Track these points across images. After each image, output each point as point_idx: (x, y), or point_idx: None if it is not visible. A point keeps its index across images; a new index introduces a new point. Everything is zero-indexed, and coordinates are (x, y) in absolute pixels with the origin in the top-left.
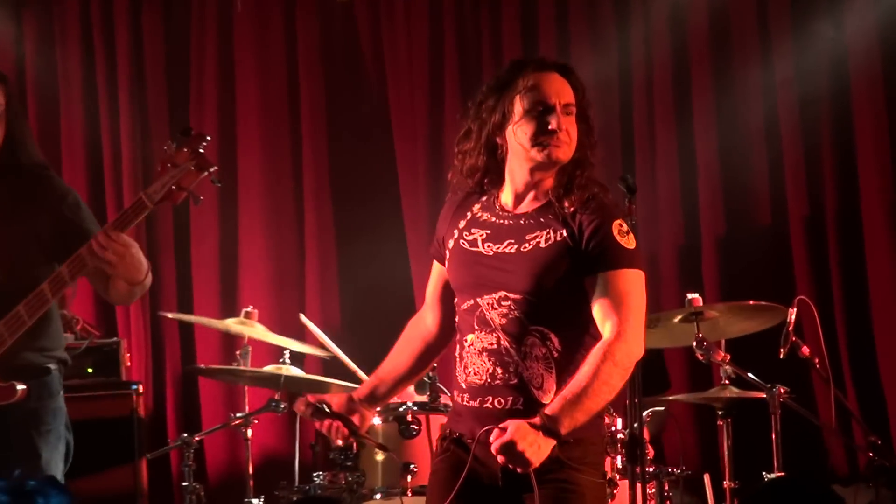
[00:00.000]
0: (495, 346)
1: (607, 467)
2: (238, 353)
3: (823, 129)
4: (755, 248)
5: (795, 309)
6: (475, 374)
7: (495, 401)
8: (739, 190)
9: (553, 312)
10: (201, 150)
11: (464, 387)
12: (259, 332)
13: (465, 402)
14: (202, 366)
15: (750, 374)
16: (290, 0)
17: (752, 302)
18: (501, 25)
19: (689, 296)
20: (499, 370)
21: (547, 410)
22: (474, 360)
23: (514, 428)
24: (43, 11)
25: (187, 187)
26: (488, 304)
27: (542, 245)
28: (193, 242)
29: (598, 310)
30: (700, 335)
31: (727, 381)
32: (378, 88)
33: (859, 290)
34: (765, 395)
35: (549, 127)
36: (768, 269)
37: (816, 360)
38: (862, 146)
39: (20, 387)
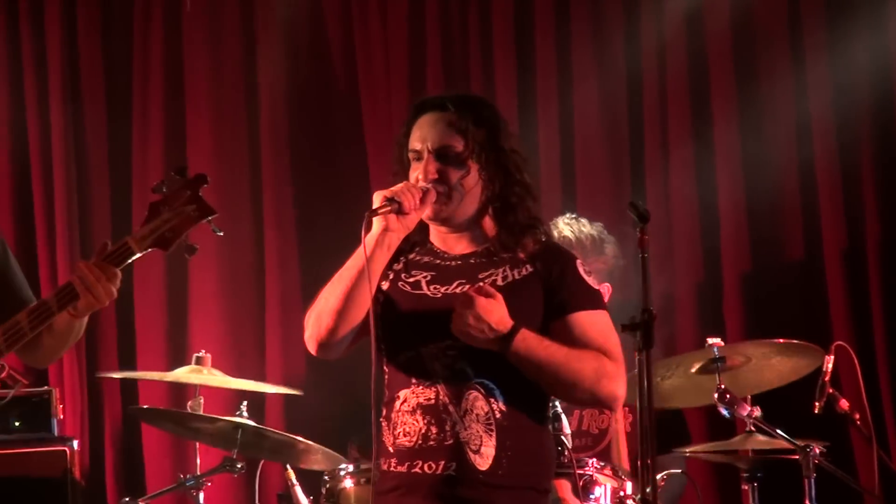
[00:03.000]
0: (433, 401)
1: None
2: (189, 404)
3: (863, 146)
4: (785, 285)
5: (832, 356)
6: (405, 436)
7: (425, 465)
8: (766, 218)
9: (501, 364)
10: (201, 194)
11: (391, 451)
12: (217, 378)
13: (391, 468)
14: (145, 407)
15: (780, 432)
16: (248, 2)
17: (781, 340)
18: (492, 26)
19: (710, 340)
20: (433, 429)
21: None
22: (405, 419)
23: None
24: None
25: (182, 234)
26: (431, 353)
27: (500, 283)
28: (136, 280)
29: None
30: (722, 386)
31: (752, 429)
32: (350, 99)
33: None
34: (798, 456)
35: (414, 177)
36: (800, 310)
37: (857, 416)
38: None
39: None
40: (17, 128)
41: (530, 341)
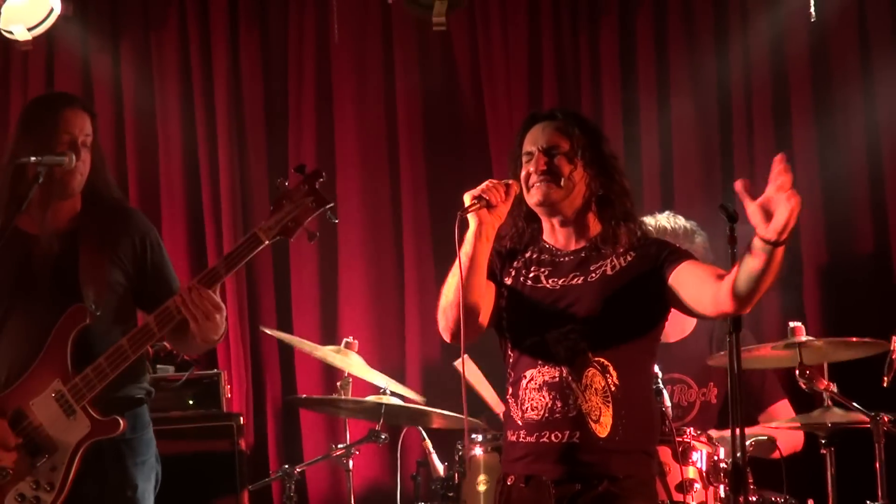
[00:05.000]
0: (557, 378)
1: (709, 498)
2: (339, 384)
3: None
4: (857, 279)
5: None
6: (532, 410)
7: (552, 435)
8: (840, 217)
9: (615, 344)
10: (318, 187)
11: (520, 423)
12: (356, 365)
13: (520, 440)
14: (303, 396)
15: (854, 403)
16: (388, 28)
17: (854, 339)
18: (599, 48)
19: (792, 324)
20: (558, 403)
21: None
22: (532, 395)
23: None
24: (141, 42)
25: (303, 223)
26: (554, 337)
27: (609, 272)
28: (293, 272)
29: (704, 279)
30: (802, 363)
31: (829, 403)
32: (476, 113)
33: None
34: (870, 425)
35: (526, 172)
36: (871, 300)
37: None
38: None
39: (121, 421)
40: (188, 145)
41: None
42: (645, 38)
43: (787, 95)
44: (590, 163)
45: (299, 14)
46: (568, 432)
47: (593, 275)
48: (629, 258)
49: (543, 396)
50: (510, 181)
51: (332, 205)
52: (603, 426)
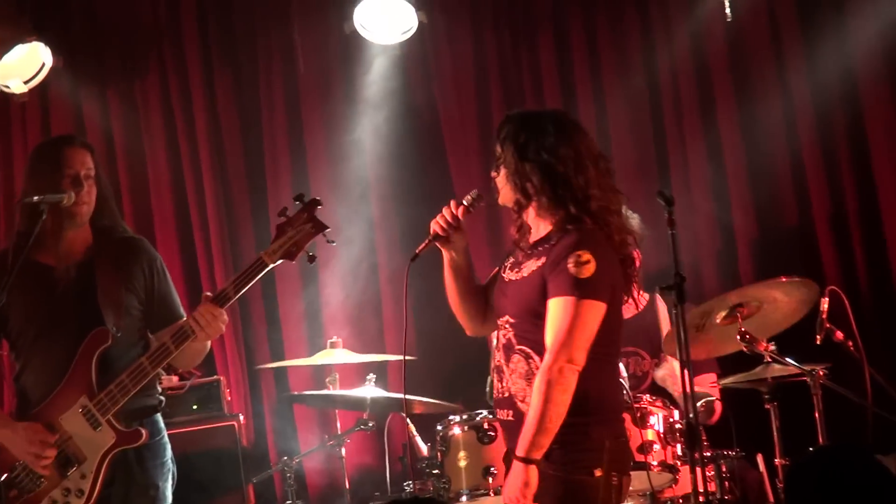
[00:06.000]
0: (500, 363)
1: (668, 456)
2: (327, 380)
3: (838, 134)
4: (786, 248)
5: (827, 298)
6: (494, 389)
7: (501, 412)
8: (767, 193)
9: (533, 335)
10: (315, 214)
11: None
12: (348, 355)
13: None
14: (295, 393)
15: (790, 360)
16: (346, 59)
17: (784, 278)
18: (539, 59)
19: (731, 294)
20: (498, 385)
21: (518, 451)
22: (493, 376)
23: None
24: (126, 89)
25: (304, 247)
26: (500, 325)
27: (526, 275)
28: (279, 286)
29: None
30: (743, 329)
31: (769, 360)
32: (433, 128)
33: (885, 278)
34: (807, 379)
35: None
36: (799, 266)
37: (850, 343)
38: (875, 145)
39: (143, 431)
40: (175, 178)
41: (531, 449)
42: (579, 46)
43: (711, 87)
44: (513, 170)
45: (266, 51)
46: (508, 411)
47: (521, 273)
48: (541, 263)
49: (494, 378)
50: (451, 205)
51: (329, 229)
52: (528, 405)
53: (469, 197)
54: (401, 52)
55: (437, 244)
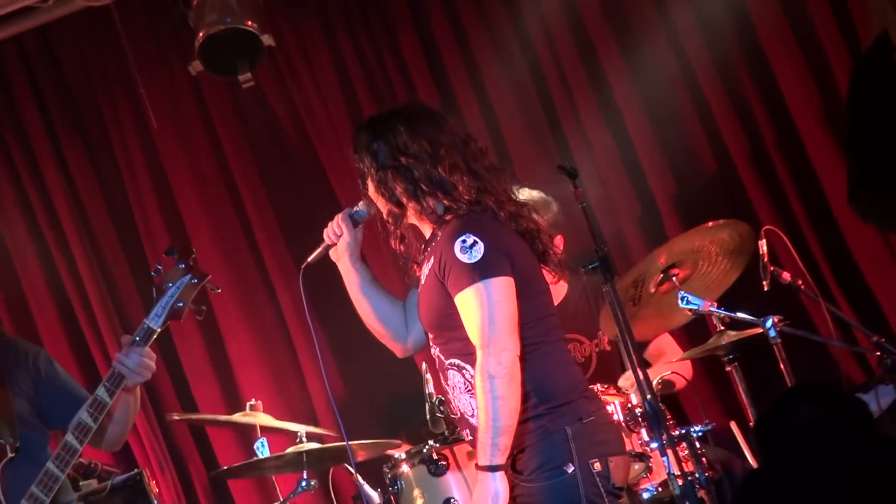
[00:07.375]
0: (443, 384)
1: (634, 444)
2: (255, 446)
3: (739, 65)
4: (710, 196)
5: (764, 240)
6: (449, 410)
7: (463, 433)
8: (676, 145)
9: (454, 345)
10: (192, 263)
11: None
12: (267, 422)
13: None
14: (225, 467)
15: (739, 314)
16: (200, 99)
17: (710, 223)
18: (404, 56)
19: (655, 251)
20: (450, 406)
21: (479, 461)
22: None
23: None
24: None
25: (188, 301)
26: (431, 344)
27: (424, 281)
28: (181, 352)
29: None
30: (681, 291)
31: (722, 328)
32: (307, 152)
33: (821, 206)
34: (762, 330)
35: None
36: (730, 213)
37: (800, 282)
38: (779, 68)
39: None
40: (47, 266)
41: (493, 455)
42: (444, 34)
43: (590, 41)
44: (377, 181)
45: (113, 110)
46: (465, 431)
47: (424, 277)
48: (432, 264)
49: (446, 399)
50: (337, 217)
51: (209, 276)
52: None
53: (360, 204)
54: (255, 83)
55: (329, 254)
